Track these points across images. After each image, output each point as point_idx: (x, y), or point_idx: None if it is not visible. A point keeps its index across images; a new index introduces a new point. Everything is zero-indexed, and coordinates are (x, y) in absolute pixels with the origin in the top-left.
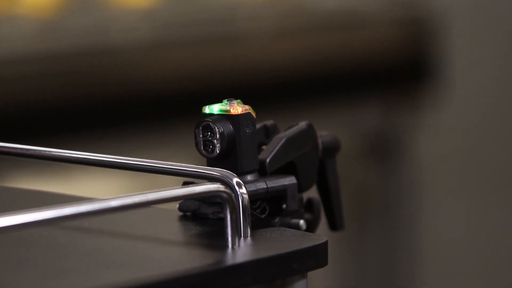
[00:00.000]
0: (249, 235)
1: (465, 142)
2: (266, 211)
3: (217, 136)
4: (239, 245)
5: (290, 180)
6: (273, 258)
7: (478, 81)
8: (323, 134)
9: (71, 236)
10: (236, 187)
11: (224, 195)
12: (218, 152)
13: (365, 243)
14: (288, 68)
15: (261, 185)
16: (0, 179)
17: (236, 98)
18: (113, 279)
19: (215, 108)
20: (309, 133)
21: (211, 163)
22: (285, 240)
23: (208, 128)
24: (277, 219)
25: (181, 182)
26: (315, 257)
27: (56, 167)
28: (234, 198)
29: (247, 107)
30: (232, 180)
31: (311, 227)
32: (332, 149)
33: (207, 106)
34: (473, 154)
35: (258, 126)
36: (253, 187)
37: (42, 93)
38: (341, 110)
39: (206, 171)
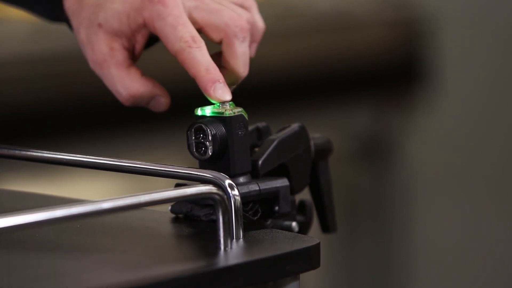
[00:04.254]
0: (241, 237)
1: (457, 144)
2: (258, 213)
3: (209, 138)
4: (231, 247)
5: (283, 182)
6: (265, 260)
7: (470, 83)
8: (316, 136)
9: (63, 238)
10: (228, 189)
11: (216, 197)
12: (210, 154)
13: (357, 245)
14: (280, 69)
15: (254, 187)
16: None
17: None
18: (105, 281)
19: (207, 110)
20: (301, 135)
21: (203, 165)
22: (278, 242)
23: (200, 130)
24: (269, 221)
25: (174, 184)
26: (308, 259)
27: (48, 169)
28: (226, 200)
29: (239, 109)
30: (224, 182)
31: (304, 229)
32: (324, 151)
33: (199, 108)
34: (466, 156)
35: (250, 128)
36: (245, 189)
37: (34, 95)
38: (333, 112)
39: (198, 173)
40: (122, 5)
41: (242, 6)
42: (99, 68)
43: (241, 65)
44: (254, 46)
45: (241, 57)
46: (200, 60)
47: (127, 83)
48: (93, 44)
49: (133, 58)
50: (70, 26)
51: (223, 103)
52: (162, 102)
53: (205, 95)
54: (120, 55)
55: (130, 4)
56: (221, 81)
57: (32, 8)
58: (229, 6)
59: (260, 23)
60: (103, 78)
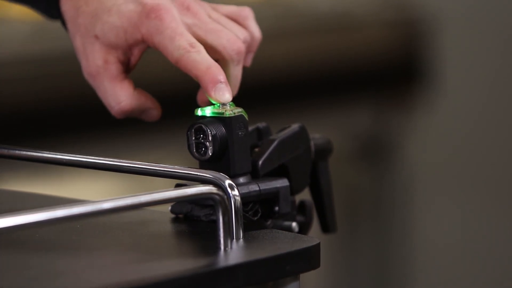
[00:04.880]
0: (241, 237)
1: (457, 144)
2: (258, 213)
3: (210, 138)
4: (231, 247)
5: (283, 182)
6: (265, 260)
7: (470, 83)
8: (316, 137)
9: (63, 238)
10: (229, 189)
11: (216, 197)
12: (210, 154)
13: (357, 245)
14: (281, 70)
15: (254, 187)
16: None
17: None
18: (105, 280)
19: (207, 111)
20: (301, 136)
21: (203, 165)
22: (278, 242)
23: (200, 131)
24: (269, 222)
25: (174, 185)
26: (308, 259)
27: (48, 169)
28: (226, 200)
29: (239, 109)
30: (224, 182)
31: (304, 229)
32: (324, 152)
33: (199, 109)
34: (466, 156)
35: (250, 128)
36: (245, 190)
37: (34, 95)
38: (333, 112)
39: (198, 173)
40: (119, 19)
41: (238, 18)
42: (92, 79)
43: (231, 87)
44: (251, 56)
45: (233, 80)
46: (200, 61)
47: (119, 98)
48: (88, 55)
49: (128, 70)
50: (66, 27)
51: (223, 103)
52: (154, 114)
53: (206, 95)
54: (115, 68)
55: (128, 19)
56: (222, 81)
57: (32, 5)
58: (227, 25)
59: (256, 33)
60: (96, 90)
